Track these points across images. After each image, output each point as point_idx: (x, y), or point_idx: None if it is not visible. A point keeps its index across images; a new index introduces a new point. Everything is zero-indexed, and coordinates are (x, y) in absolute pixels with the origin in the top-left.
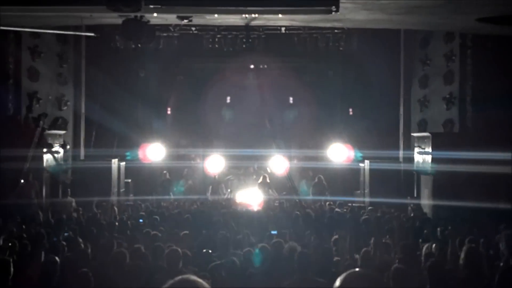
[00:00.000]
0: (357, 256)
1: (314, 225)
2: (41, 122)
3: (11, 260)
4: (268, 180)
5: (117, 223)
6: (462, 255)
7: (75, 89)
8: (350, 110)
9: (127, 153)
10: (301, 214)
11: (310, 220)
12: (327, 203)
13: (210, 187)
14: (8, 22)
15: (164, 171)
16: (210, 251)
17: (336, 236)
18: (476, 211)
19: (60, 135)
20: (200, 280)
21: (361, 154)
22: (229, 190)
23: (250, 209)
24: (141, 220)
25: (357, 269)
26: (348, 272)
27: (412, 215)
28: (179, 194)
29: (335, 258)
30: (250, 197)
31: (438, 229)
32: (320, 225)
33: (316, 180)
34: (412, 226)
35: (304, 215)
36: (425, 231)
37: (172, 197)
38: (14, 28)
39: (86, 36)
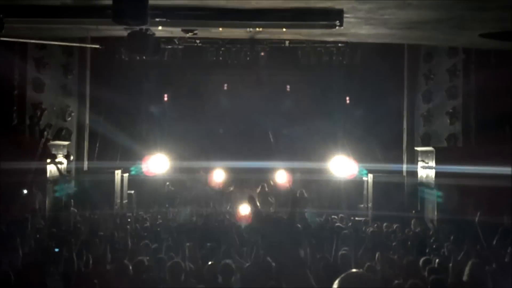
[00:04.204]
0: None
1: (314, 239)
2: (45, 132)
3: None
4: (266, 189)
5: (119, 235)
6: (467, 271)
7: (80, 100)
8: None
9: (132, 168)
10: (301, 227)
11: (309, 233)
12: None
13: (211, 202)
14: (13, 33)
15: (167, 183)
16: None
17: (342, 252)
18: (480, 226)
19: (64, 145)
20: None
21: (366, 171)
22: (229, 203)
23: (251, 221)
24: (145, 234)
25: (354, 270)
26: (346, 273)
27: (416, 229)
28: (186, 218)
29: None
30: (250, 210)
31: (443, 244)
32: (321, 239)
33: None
34: (415, 241)
35: (303, 229)
36: (428, 246)
37: (175, 210)
38: (20, 40)
39: (92, 48)
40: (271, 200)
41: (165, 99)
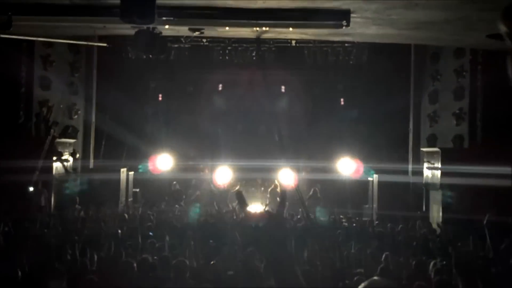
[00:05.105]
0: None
1: (321, 238)
2: (51, 130)
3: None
4: (278, 189)
5: (124, 233)
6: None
7: (86, 98)
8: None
9: (140, 166)
10: (308, 226)
11: (316, 233)
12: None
13: (215, 201)
14: (21, 31)
15: (174, 182)
16: (212, 262)
17: (348, 251)
18: (487, 228)
19: (70, 143)
20: None
21: (373, 171)
22: (234, 203)
23: (257, 221)
24: (151, 233)
25: (376, 278)
26: (369, 280)
27: (421, 230)
28: (195, 215)
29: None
30: (257, 209)
31: (448, 245)
32: (328, 238)
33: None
34: (420, 242)
35: (309, 228)
36: (433, 247)
37: (180, 208)
38: (27, 37)
39: (98, 46)
40: (279, 200)
41: (171, 97)
